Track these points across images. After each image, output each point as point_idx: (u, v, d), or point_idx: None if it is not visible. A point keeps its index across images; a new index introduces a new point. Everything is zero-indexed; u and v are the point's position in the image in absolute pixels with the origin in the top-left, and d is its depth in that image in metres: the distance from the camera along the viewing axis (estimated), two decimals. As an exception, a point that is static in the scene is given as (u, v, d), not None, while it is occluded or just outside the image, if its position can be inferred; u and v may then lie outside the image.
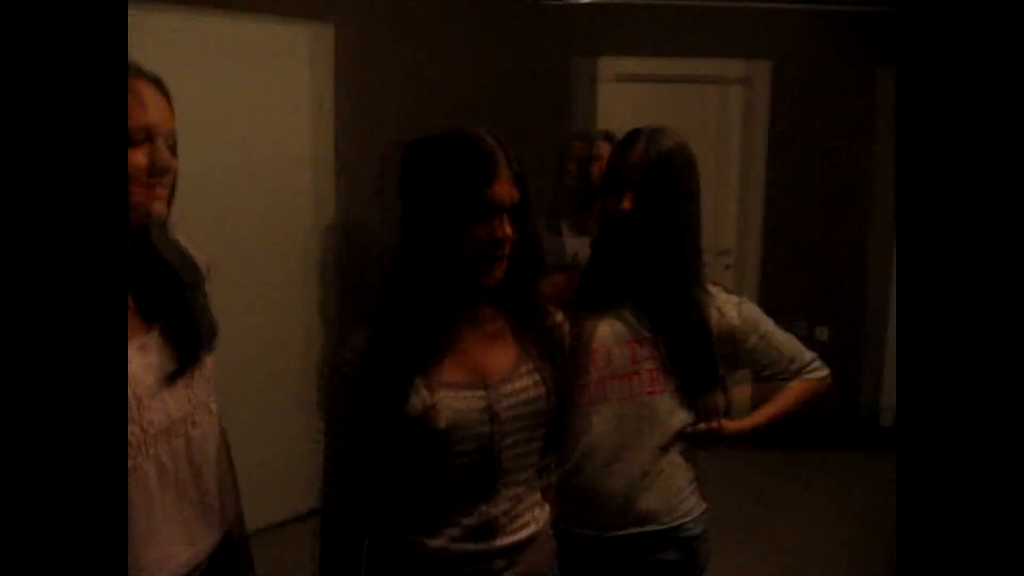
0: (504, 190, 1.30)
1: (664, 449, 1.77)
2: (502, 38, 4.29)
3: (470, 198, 1.28)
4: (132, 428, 1.24)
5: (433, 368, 1.34)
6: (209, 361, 1.40)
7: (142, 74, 1.24)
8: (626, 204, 1.68)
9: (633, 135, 1.73)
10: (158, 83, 1.26)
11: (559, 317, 1.52)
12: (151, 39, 3.05)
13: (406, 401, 1.31)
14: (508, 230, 1.30)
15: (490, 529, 1.40)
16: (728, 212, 4.84)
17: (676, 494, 1.80)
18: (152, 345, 1.29)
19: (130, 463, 1.24)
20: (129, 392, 1.23)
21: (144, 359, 1.27)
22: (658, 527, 1.78)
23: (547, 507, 1.52)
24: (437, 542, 1.38)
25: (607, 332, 1.74)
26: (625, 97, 4.54)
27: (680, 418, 1.77)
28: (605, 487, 1.74)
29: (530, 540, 1.45)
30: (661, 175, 1.68)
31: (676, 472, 1.79)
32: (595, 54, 4.55)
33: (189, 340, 1.33)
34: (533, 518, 1.47)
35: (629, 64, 4.58)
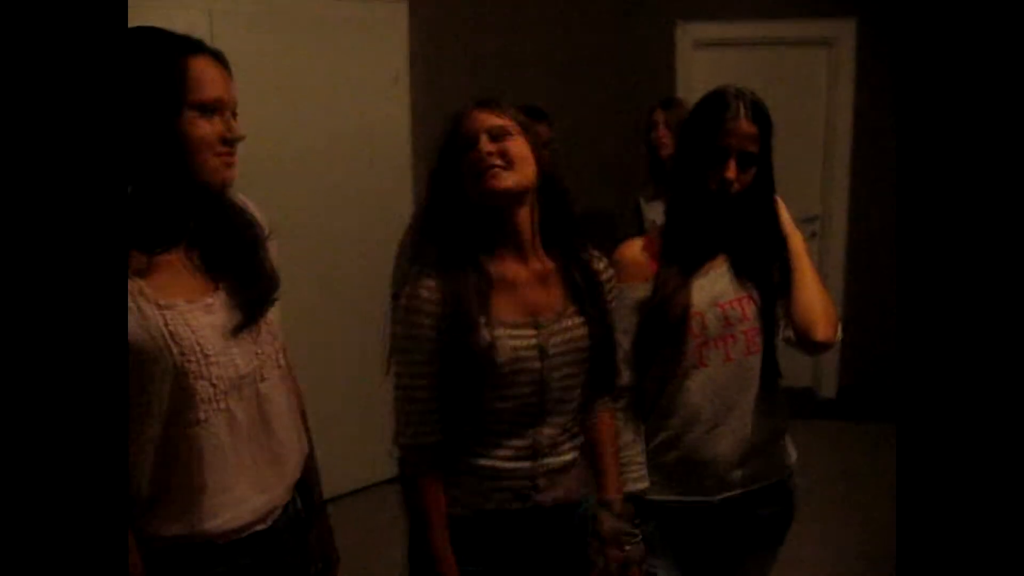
0: (481, 122, 1.50)
1: (765, 408, 1.75)
2: (576, 8, 4.26)
3: (452, 128, 1.53)
4: (202, 383, 1.30)
5: (492, 308, 1.49)
6: (273, 316, 1.45)
7: (206, 50, 1.30)
8: (730, 173, 1.62)
9: (723, 99, 1.64)
10: (220, 57, 1.32)
11: (601, 264, 1.64)
12: (231, 18, 3.16)
13: (472, 339, 1.45)
14: (488, 148, 1.47)
15: (536, 451, 1.55)
16: (813, 179, 4.73)
17: (778, 450, 1.80)
18: (218, 304, 1.35)
19: (201, 415, 1.31)
20: (197, 349, 1.29)
21: (210, 318, 1.33)
22: (763, 484, 1.78)
23: (582, 438, 1.64)
24: (489, 461, 1.53)
25: (700, 297, 1.70)
26: (704, 63, 4.47)
27: (770, 373, 1.75)
28: (709, 453, 1.72)
29: (571, 464, 1.60)
30: (763, 140, 1.65)
31: (775, 425, 1.79)
32: (673, 20, 4.48)
33: (253, 296, 1.39)
34: (573, 447, 1.61)
35: (708, 30, 4.49)
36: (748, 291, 1.71)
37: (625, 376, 1.71)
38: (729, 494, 1.75)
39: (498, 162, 1.47)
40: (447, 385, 1.50)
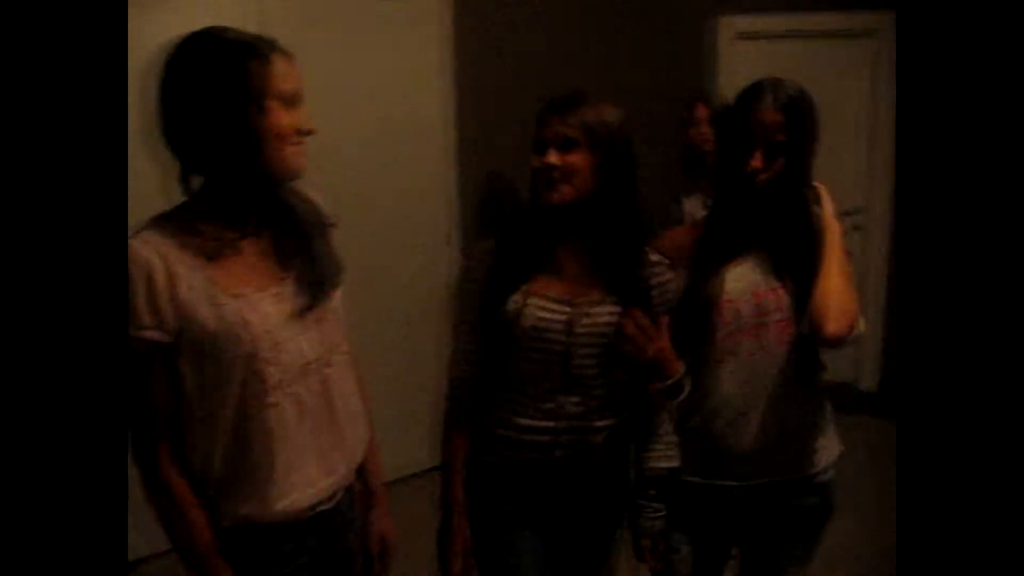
0: (551, 130, 1.62)
1: (800, 400, 1.77)
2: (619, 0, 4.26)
3: (534, 137, 1.64)
4: (271, 369, 1.36)
5: (534, 282, 1.66)
6: (338, 302, 1.51)
7: (279, 48, 1.36)
8: (756, 163, 1.64)
9: (756, 90, 1.68)
10: (290, 56, 1.38)
11: (659, 269, 1.73)
12: (277, 12, 3.23)
13: (505, 302, 1.65)
14: (550, 159, 1.60)
15: (559, 415, 1.69)
16: (856, 171, 4.70)
17: (812, 442, 1.80)
18: (287, 293, 1.41)
19: (271, 400, 1.37)
20: (267, 336, 1.36)
21: (279, 305, 1.39)
22: (795, 476, 1.80)
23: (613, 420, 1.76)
24: (516, 417, 1.71)
25: (734, 286, 1.73)
26: (745, 56, 4.45)
27: (809, 365, 1.76)
28: (739, 441, 1.76)
29: (599, 436, 1.73)
30: (792, 130, 1.65)
31: (812, 419, 1.80)
32: (714, 13, 4.47)
33: (319, 282, 1.45)
34: (604, 425, 1.73)
35: (749, 22, 4.47)
36: (783, 282, 1.73)
37: None
38: (754, 482, 1.79)
39: (556, 176, 1.61)
40: (486, 340, 1.70)
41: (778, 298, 1.73)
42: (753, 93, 1.68)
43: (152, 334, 1.30)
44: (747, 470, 1.78)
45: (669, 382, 1.63)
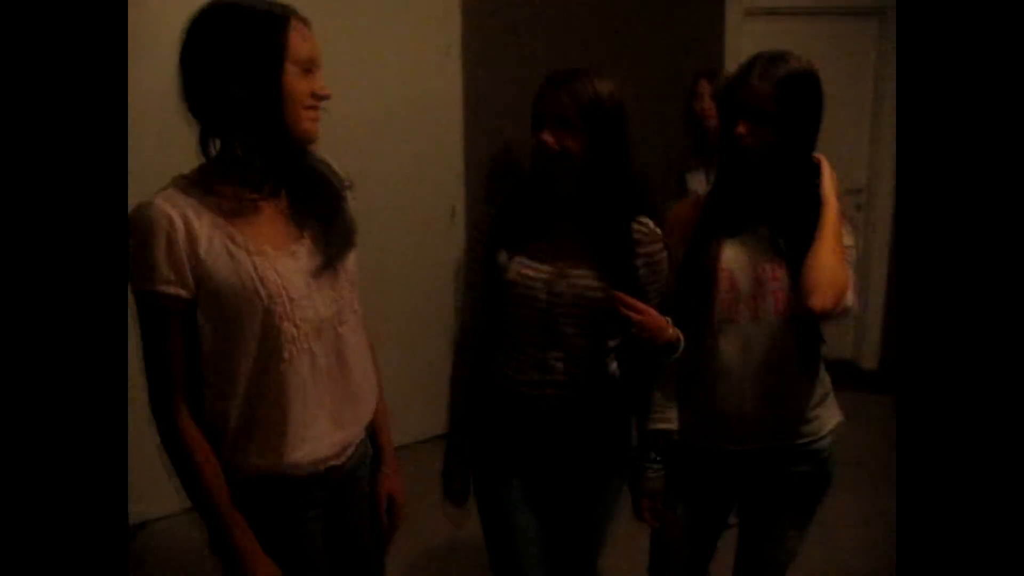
0: (547, 106, 1.69)
1: (798, 370, 1.81)
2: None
3: (533, 114, 1.72)
4: (287, 325, 1.41)
5: (524, 245, 1.77)
6: (352, 264, 1.55)
7: (297, 15, 1.40)
8: (740, 129, 1.67)
9: (751, 62, 1.71)
10: (307, 24, 1.42)
11: (648, 237, 1.79)
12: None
13: (494, 260, 1.78)
14: (545, 137, 1.69)
15: (545, 367, 1.79)
16: (860, 150, 4.71)
17: (810, 410, 1.84)
18: (302, 252, 1.46)
19: (286, 355, 1.42)
20: (284, 293, 1.40)
21: (295, 264, 1.44)
22: (791, 442, 1.84)
23: (601, 378, 1.86)
24: (509, 371, 1.82)
25: (732, 256, 1.77)
26: (753, 32, 4.45)
27: (808, 337, 1.80)
28: (736, 406, 1.80)
29: (590, 388, 1.83)
30: (784, 103, 1.66)
31: (808, 388, 1.83)
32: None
33: (334, 243, 1.49)
34: (592, 380, 1.82)
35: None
36: (783, 255, 1.76)
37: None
38: (750, 446, 1.83)
39: (551, 151, 1.69)
40: (483, 297, 1.83)
41: (776, 270, 1.76)
42: (747, 65, 1.71)
43: (172, 289, 1.33)
44: (743, 434, 1.82)
45: (661, 346, 1.71)
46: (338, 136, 3.33)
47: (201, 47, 1.35)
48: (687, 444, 1.88)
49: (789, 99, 1.66)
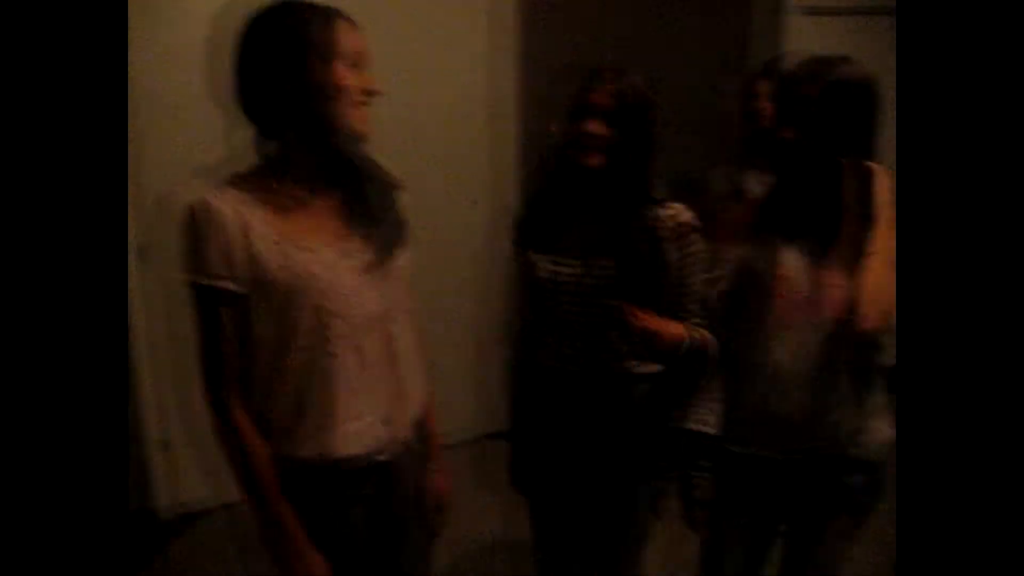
0: (596, 98, 1.72)
1: (852, 377, 1.77)
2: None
3: (573, 102, 1.74)
4: (336, 320, 1.43)
5: (549, 240, 1.83)
6: (404, 261, 1.57)
7: (343, 15, 1.43)
8: (787, 134, 1.67)
9: (807, 64, 1.69)
10: (354, 24, 1.44)
11: (670, 214, 1.79)
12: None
13: (524, 258, 1.86)
14: (591, 128, 1.72)
15: (575, 359, 1.83)
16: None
17: (860, 420, 1.79)
18: (353, 249, 1.47)
19: (336, 350, 1.44)
20: (334, 288, 1.43)
21: (346, 260, 1.46)
22: (843, 451, 1.80)
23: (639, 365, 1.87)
24: (548, 360, 1.87)
25: (790, 259, 1.74)
26: (813, 31, 4.36)
27: (867, 343, 1.75)
28: (789, 412, 1.76)
29: (616, 372, 1.84)
30: (829, 107, 1.64)
31: (863, 396, 1.79)
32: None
33: (385, 241, 1.51)
34: (626, 363, 1.84)
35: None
36: (839, 260, 1.71)
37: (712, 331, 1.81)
38: (798, 454, 1.79)
39: (594, 144, 1.72)
40: (525, 293, 1.90)
41: (833, 275, 1.72)
42: (797, 67, 1.70)
43: (224, 283, 1.37)
44: (791, 442, 1.79)
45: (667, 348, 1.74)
46: (392, 134, 3.36)
47: (253, 47, 1.39)
48: (734, 451, 1.84)
49: (837, 105, 1.64)
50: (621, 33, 3.98)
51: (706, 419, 1.82)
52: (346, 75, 1.39)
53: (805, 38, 4.33)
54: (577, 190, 1.80)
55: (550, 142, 1.81)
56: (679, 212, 1.79)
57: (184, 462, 3.31)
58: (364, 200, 1.50)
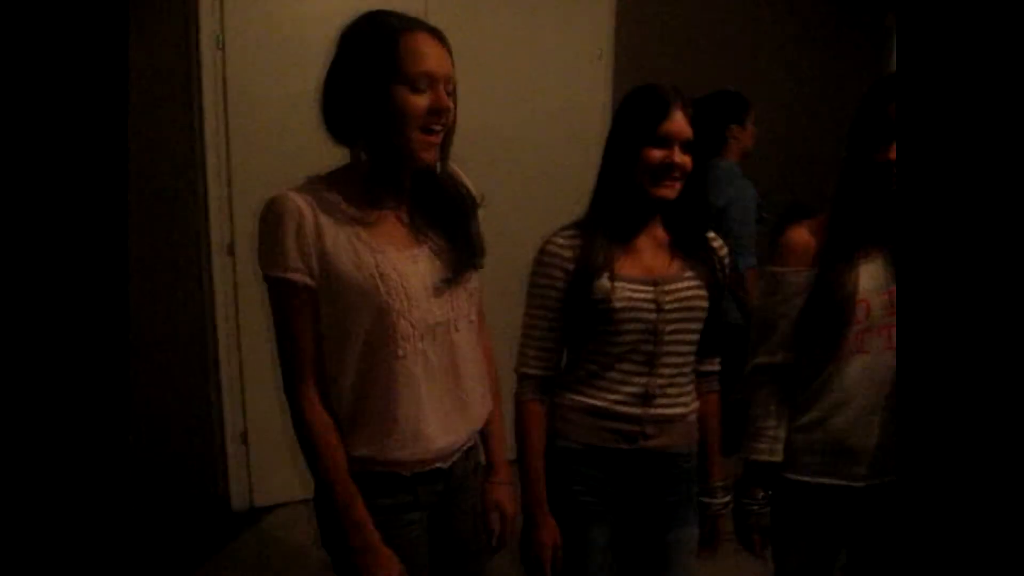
0: (676, 126, 1.65)
1: None
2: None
3: (647, 129, 1.66)
4: (403, 322, 1.43)
5: (617, 265, 1.71)
6: (474, 278, 1.56)
7: (422, 26, 1.40)
8: (892, 155, 1.58)
9: (892, 80, 1.62)
10: (437, 34, 1.41)
11: (718, 243, 1.82)
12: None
13: (593, 286, 1.68)
14: (678, 158, 1.65)
15: (647, 398, 1.74)
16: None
17: None
18: (423, 257, 1.48)
19: (400, 352, 1.44)
20: (401, 291, 1.43)
21: (415, 267, 1.46)
22: None
23: (697, 399, 1.84)
24: (602, 402, 1.74)
25: (866, 282, 1.67)
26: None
27: None
28: (861, 440, 1.70)
29: (679, 417, 1.79)
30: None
31: None
32: (883, 10, 4.24)
33: (455, 257, 1.51)
34: (684, 403, 1.79)
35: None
36: None
37: (777, 356, 1.76)
38: (873, 482, 1.72)
39: (678, 175, 1.67)
40: (571, 327, 1.74)
41: None
42: (890, 84, 1.62)
43: (298, 276, 1.39)
44: (867, 470, 1.72)
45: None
46: (487, 144, 3.42)
47: (334, 58, 1.42)
48: (799, 482, 1.77)
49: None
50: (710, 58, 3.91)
51: (776, 449, 1.77)
52: (408, 99, 1.37)
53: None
54: (640, 215, 1.75)
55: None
56: (714, 236, 1.83)
57: (260, 456, 3.37)
58: (435, 216, 1.51)
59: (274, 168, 2.92)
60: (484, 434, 1.67)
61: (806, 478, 1.76)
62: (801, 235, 1.76)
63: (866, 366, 1.68)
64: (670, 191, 1.67)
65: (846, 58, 4.23)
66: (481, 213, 1.60)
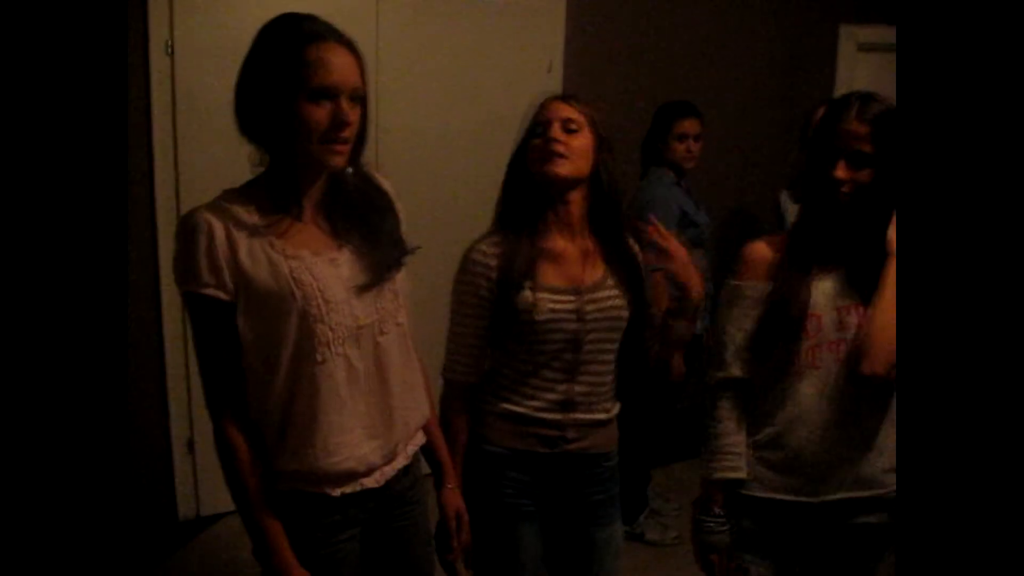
0: (557, 111, 1.76)
1: (879, 417, 1.72)
2: (735, 5, 4.16)
3: (533, 122, 1.80)
4: (321, 327, 1.43)
5: (540, 272, 1.75)
6: (399, 278, 1.56)
7: (332, 36, 1.40)
8: (839, 172, 1.61)
9: (845, 100, 1.65)
10: (346, 43, 1.42)
11: (635, 247, 1.87)
12: (395, 2, 3.27)
13: (517, 297, 1.72)
14: (555, 134, 1.73)
15: (567, 405, 1.80)
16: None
17: (891, 459, 1.75)
18: (342, 260, 1.48)
19: (320, 357, 1.44)
20: (319, 295, 1.42)
21: (334, 270, 1.46)
22: (870, 493, 1.75)
23: (618, 404, 1.91)
24: (523, 409, 1.80)
25: (818, 297, 1.70)
26: (866, 67, 4.30)
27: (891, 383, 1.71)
28: (814, 455, 1.72)
29: (601, 423, 1.85)
30: (880, 144, 1.59)
31: (892, 437, 1.74)
32: (836, 22, 4.33)
33: (376, 258, 1.51)
34: (605, 409, 1.86)
35: (872, 32, 4.30)
36: (859, 300, 1.69)
37: (735, 369, 1.77)
38: (828, 497, 1.74)
39: (561, 150, 1.72)
40: (494, 335, 1.78)
41: (858, 314, 1.68)
42: (842, 103, 1.65)
43: (211, 291, 1.39)
44: (821, 486, 1.74)
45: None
46: (437, 149, 3.41)
47: (243, 63, 1.42)
48: (756, 497, 1.78)
49: (887, 141, 1.60)
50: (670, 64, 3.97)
51: (737, 465, 1.78)
52: (311, 111, 1.37)
53: (858, 74, 4.29)
54: (544, 210, 1.80)
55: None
56: (634, 242, 1.89)
57: (207, 464, 3.33)
58: (350, 219, 1.51)
59: (223, 175, 2.88)
60: (427, 443, 1.68)
61: (762, 494, 1.77)
62: (761, 249, 1.79)
63: (819, 381, 1.70)
64: (552, 167, 1.73)
65: (798, 70, 4.31)
66: (399, 209, 1.61)
